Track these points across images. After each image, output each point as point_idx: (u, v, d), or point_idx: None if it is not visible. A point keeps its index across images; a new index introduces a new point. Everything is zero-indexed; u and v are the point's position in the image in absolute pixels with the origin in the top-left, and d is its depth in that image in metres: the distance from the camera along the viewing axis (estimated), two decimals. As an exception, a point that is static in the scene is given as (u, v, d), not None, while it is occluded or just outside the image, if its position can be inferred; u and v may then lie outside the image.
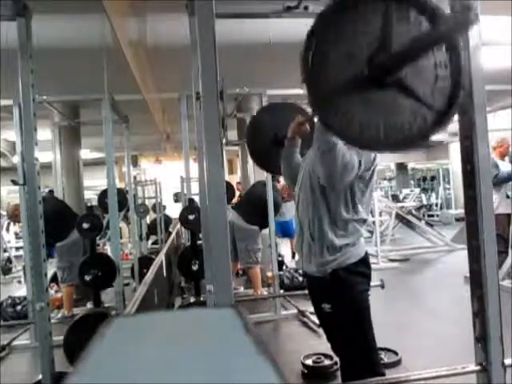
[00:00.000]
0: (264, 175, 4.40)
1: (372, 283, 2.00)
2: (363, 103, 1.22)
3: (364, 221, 1.93)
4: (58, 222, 4.33)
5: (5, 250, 7.96)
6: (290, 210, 6.94)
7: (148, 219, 8.30)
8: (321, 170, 1.75)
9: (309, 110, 2.42)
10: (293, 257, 6.80)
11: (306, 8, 2.30)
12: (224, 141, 1.39)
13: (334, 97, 1.21)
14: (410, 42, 1.19)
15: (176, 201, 8.69)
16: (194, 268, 4.21)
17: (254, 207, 4.85)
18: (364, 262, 1.91)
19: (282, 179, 5.17)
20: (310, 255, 1.93)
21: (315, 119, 2.13)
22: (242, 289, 5.42)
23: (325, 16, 1.21)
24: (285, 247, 7.32)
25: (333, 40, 1.21)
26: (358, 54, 1.21)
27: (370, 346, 1.89)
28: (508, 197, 5.16)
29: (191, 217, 4.24)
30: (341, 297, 1.86)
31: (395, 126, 1.22)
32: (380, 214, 8.09)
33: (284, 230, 7.00)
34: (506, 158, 5.28)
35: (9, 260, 7.74)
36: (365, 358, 1.88)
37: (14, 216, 5.48)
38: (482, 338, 1.64)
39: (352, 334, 1.86)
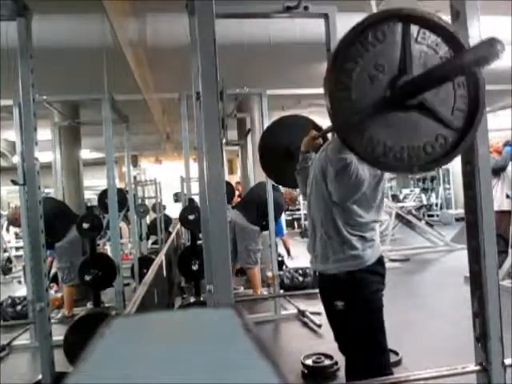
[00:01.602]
0: (264, 175, 4.40)
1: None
2: (386, 126, 1.23)
3: (376, 221, 1.93)
4: (57, 223, 4.33)
5: (5, 250, 7.96)
6: None
7: (148, 219, 8.30)
8: (334, 188, 1.78)
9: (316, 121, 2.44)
10: (288, 254, 6.80)
11: (305, 8, 2.30)
12: (224, 141, 1.39)
13: (357, 120, 1.22)
14: (433, 69, 1.21)
15: (176, 201, 8.69)
16: (194, 268, 4.21)
17: (257, 207, 4.85)
18: (380, 261, 1.92)
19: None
20: (325, 253, 1.92)
21: (328, 134, 2.15)
22: (241, 289, 5.42)
23: (347, 39, 1.21)
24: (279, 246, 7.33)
25: (355, 63, 1.21)
26: (380, 77, 1.22)
27: (381, 346, 1.90)
28: (508, 196, 5.21)
29: (191, 217, 4.24)
30: (356, 295, 1.87)
31: (418, 148, 1.24)
32: (380, 214, 8.08)
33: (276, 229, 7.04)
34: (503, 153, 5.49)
35: (9, 260, 7.74)
36: (375, 358, 1.88)
37: (13, 220, 5.50)
38: (481, 338, 1.64)
39: (364, 334, 1.86)
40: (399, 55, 1.23)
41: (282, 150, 2.48)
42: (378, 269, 1.91)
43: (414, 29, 1.24)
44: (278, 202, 4.63)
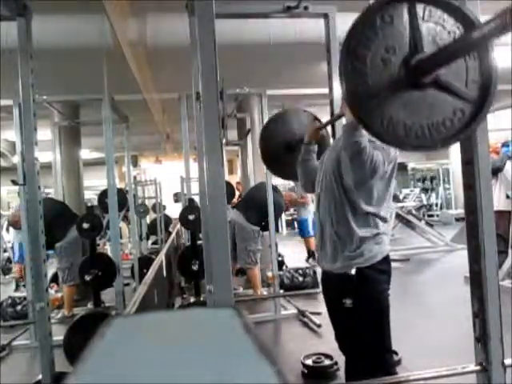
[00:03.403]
0: (264, 176, 4.40)
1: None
2: (404, 106, 1.25)
3: (385, 220, 1.93)
4: (57, 223, 4.33)
5: (5, 250, 7.95)
6: (305, 209, 7.00)
7: (148, 219, 8.30)
8: (350, 172, 1.79)
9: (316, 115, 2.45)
10: (309, 257, 6.77)
11: (305, 8, 2.30)
12: (224, 141, 1.39)
13: (374, 101, 1.24)
14: (448, 45, 1.23)
15: (176, 201, 8.69)
16: (194, 268, 4.21)
17: (257, 207, 4.85)
18: (386, 260, 1.92)
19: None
20: (335, 252, 1.92)
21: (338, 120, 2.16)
22: (241, 289, 5.42)
23: (359, 21, 1.24)
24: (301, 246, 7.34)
25: (367, 48, 1.23)
26: (393, 57, 1.24)
27: (385, 346, 1.90)
28: (508, 197, 5.21)
29: (191, 217, 4.24)
30: (363, 294, 1.87)
31: (437, 124, 1.26)
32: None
33: (300, 229, 7.04)
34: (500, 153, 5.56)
35: (9, 260, 7.74)
36: (379, 357, 1.88)
37: (14, 223, 5.50)
38: (481, 338, 1.64)
39: (370, 333, 1.87)
40: (408, 35, 1.25)
41: (283, 143, 2.49)
42: (385, 268, 1.91)
43: (419, 8, 1.26)
44: (277, 203, 4.63)
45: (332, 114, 2.42)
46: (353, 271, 1.87)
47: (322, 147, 2.29)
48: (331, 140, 2.39)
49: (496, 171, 5.28)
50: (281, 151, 2.49)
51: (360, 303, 1.86)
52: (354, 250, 1.87)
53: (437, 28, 1.27)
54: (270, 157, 2.57)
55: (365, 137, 1.68)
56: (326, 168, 2.01)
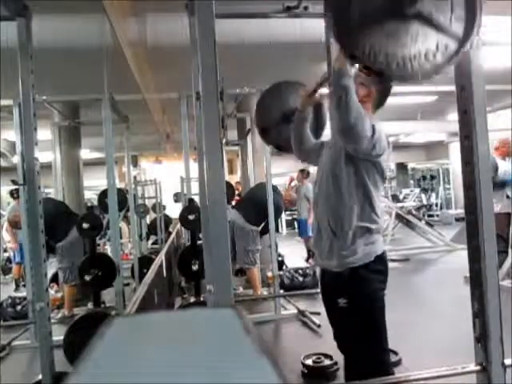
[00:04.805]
0: (264, 176, 4.40)
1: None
2: (387, 35, 1.29)
3: (377, 215, 1.93)
4: (57, 224, 4.33)
5: (5, 250, 7.95)
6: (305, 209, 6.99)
7: (148, 219, 8.30)
8: (336, 116, 1.76)
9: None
10: (309, 257, 6.75)
11: (305, 8, 2.30)
12: (224, 141, 1.39)
13: (359, 30, 1.28)
14: None
15: (176, 201, 8.69)
16: (194, 268, 4.21)
17: (256, 207, 4.85)
18: (382, 259, 1.92)
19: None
20: (331, 251, 1.92)
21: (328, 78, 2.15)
22: (241, 289, 5.42)
23: None
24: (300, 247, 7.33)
25: None
26: None
27: (381, 346, 1.90)
28: (508, 197, 5.16)
29: (191, 217, 4.23)
30: (358, 293, 1.87)
31: (419, 56, 1.30)
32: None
33: (300, 229, 7.02)
34: (507, 159, 5.30)
35: (9, 260, 7.74)
36: (376, 357, 1.88)
37: (14, 223, 5.51)
38: (481, 338, 1.64)
39: (365, 332, 1.86)
40: None
41: (279, 114, 2.48)
42: (380, 267, 1.91)
43: None
44: (276, 203, 4.63)
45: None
46: (347, 270, 1.87)
47: (318, 113, 2.33)
48: (326, 105, 2.39)
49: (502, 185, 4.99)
50: (276, 122, 2.49)
51: (354, 303, 1.87)
52: (348, 248, 1.87)
53: None
54: (265, 128, 2.57)
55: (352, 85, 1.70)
56: (324, 165, 2.01)
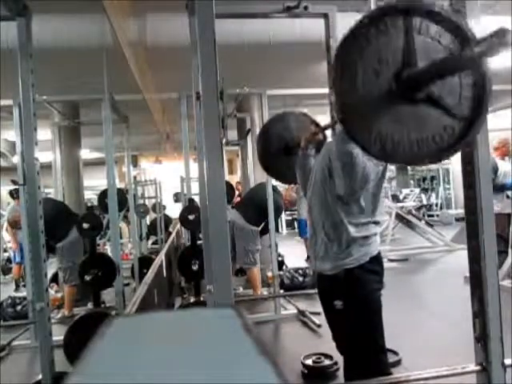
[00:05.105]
0: (264, 176, 4.40)
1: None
2: (394, 120, 1.22)
3: (377, 222, 1.93)
4: (57, 224, 4.33)
5: (5, 250, 7.95)
6: (305, 209, 6.99)
7: (148, 219, 8.29)
8: (341, 181, 1.78)
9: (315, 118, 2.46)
10: (308, 257, 6.75)
11: (305, 8, 2.30)
12: (224, 141, 1.39)
13: (364, 113, 1.21)
14: (442, 61, 1.20)
15: (176, 201, 8.69)
16: (194, 268, 4.21)
17: (256, 208, 4.85)
18: (377, 260, 1.92)
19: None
20: (325, 254, 1.93)
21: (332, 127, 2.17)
22: (241, 289, 5.42)
23: (351, 34, 1.20)
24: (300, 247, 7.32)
25: (360, 56, 1.20)
26: (385, 69, 1.21)
27: (379, 346, 1.90)
28: (508, 197, 5.16)
29: (191, 217, 4.24)
30: (354, 294, 1.87)
31: (427, 140, 1.23)
32: (380, 214, 8.08)
33: (300, 229, 7.01)
34: (507, 158, 5.30)
35: (9, 260, 7.74)
36: (373, 358, 1.88)
37: (14, 223, 5.50)
38: (481, 338, 1.64)
39: (362, 334, 1.87)
40: (402, 48, 1.22)
41: (281, 146, 2.49)
42: (375, 268, 1.91)
43: (416, 20, 1.23)
44: (277, 203, 4.63)
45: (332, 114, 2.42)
46: (342, 272, 1.87)
47: (321, 147, 2.29)
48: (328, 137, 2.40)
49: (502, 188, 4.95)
50: (279, 155, 2.49)
51: (350, 304, 1.87)
52: (343, 251, 1.88)
53: (432, 42, 1.24)
54: (268, 161, 2.57)
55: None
56: (316, 173, 2.02)
